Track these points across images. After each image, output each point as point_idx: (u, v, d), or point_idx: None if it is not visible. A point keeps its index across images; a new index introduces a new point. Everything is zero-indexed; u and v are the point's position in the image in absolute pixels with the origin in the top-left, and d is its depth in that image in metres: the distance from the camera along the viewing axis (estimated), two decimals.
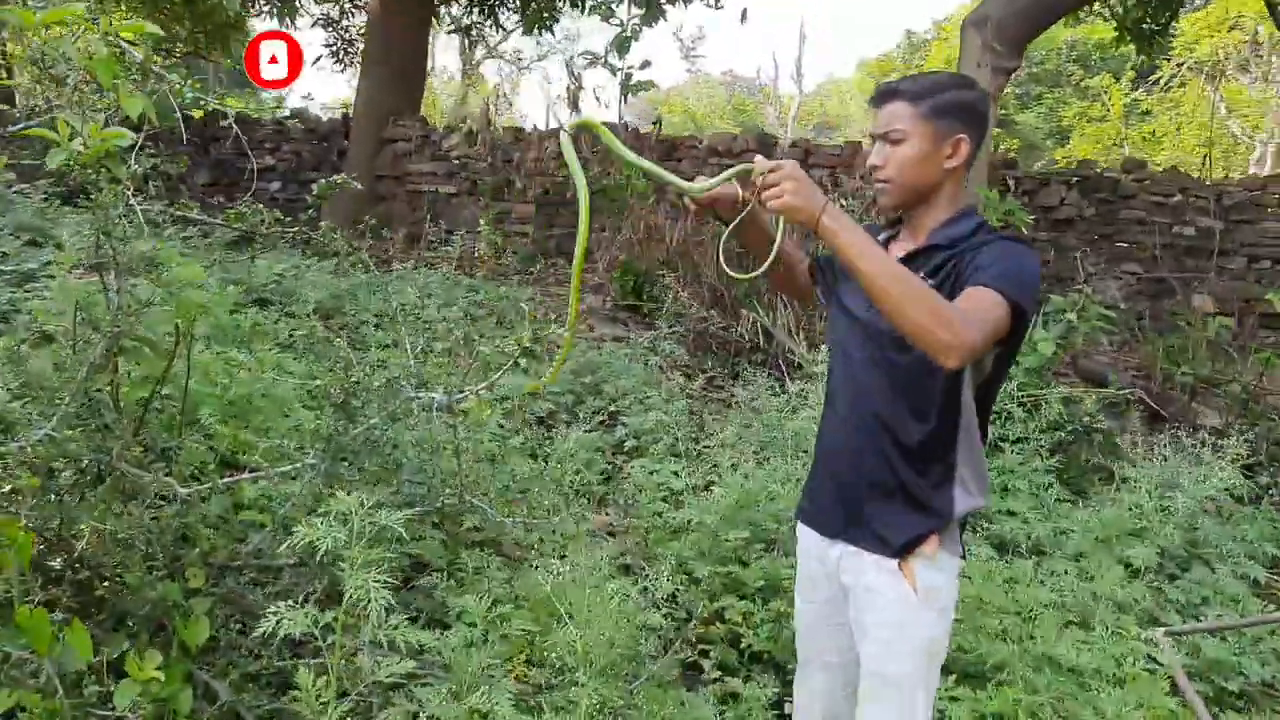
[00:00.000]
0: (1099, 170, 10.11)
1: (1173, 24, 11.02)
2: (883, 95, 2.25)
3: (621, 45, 8.02)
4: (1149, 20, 10.56)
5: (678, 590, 3.77)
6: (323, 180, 3.56)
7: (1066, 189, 9.60)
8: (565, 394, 5.70)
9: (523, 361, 2.67)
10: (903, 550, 2.21)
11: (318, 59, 13.31)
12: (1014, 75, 8.77)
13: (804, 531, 2.50)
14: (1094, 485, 5.71)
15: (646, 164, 2.37)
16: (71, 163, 2.97)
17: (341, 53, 13.24)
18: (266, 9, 11.97)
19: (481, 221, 8.14)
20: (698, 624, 3.85)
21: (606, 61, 8.18)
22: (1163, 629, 4.18)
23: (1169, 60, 19.86)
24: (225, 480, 3.29)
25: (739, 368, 6.43)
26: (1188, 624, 4.33)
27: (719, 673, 3.65)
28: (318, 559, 2.52)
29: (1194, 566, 4.89)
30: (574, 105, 8.97)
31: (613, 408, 5.68)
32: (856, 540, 2.29)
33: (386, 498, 3.29)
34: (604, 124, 2.57)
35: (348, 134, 10.51)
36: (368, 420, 3.12)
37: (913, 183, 2.20)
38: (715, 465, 4.93)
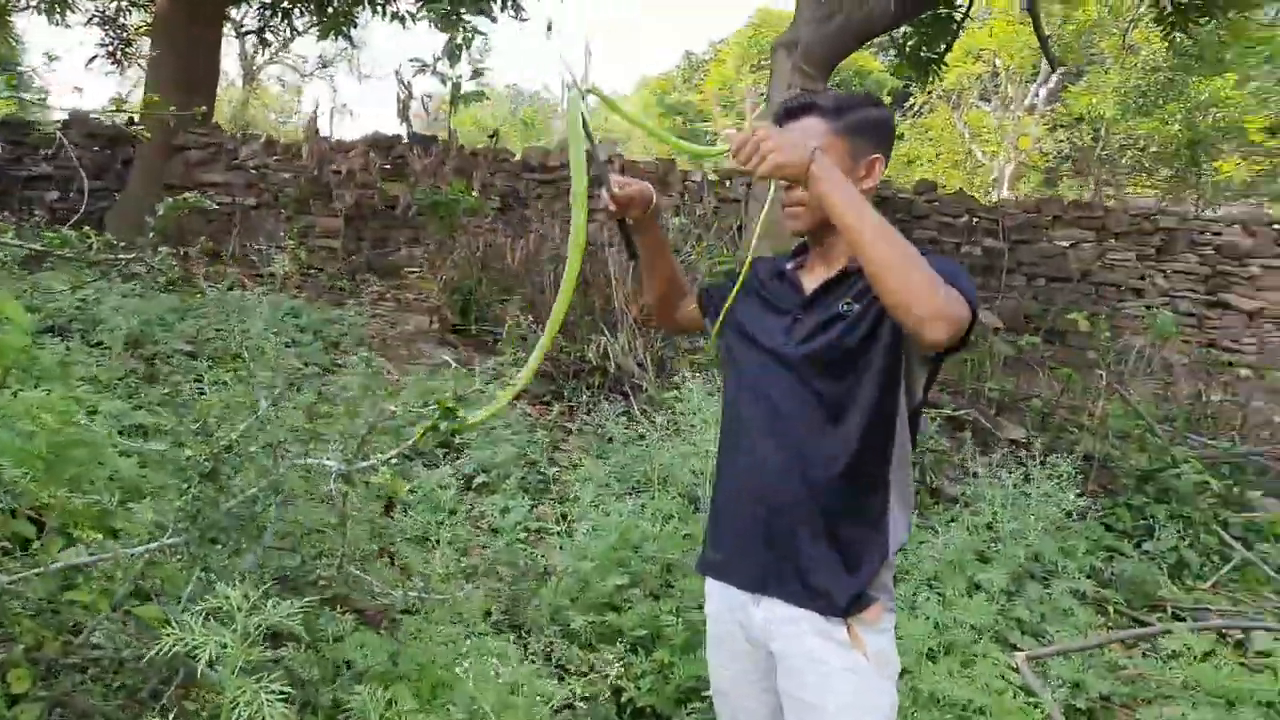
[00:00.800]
0: (895, 192, 10.33)
1: (949, 53, 11.51)
2: (795, 110, 2.07)
3: (453, 53, 7.53)
4: (926, 48, 10.98)
5: (554, 643, 3.49)
6: (168, 200, 3.04)
7: None
8: (404, 424, 5.19)
9: (442, 425, 2.22)
10: (848, 609, 1.97)
11: (92, 59, 12.03)
12: None
13: (715, 586, 2.21)
14: (928, 505, 5.69)
15: (675, 140, 2.22)
16: None
17: (119, 53, 11.99)
18: (34, 4, 10.68)
19: (285, 236, 7.45)
20: (580, 681, 3.51)
21: (436, 70, 7.66)
22: (1023, 653, 4.10)
23: (921, 88, 20.86)
24: (59, 563, 2.69)
25: (580, 394, 6.09)
26: (1043, 646, 4.29)
27: None
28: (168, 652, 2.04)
29: (1028, 584, 4.90)
30: (404, 115, 8.35)
31: (457, 440, 5.22)
32: (790, 596, 2.02)
33: (249, 569, 2.78)
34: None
35: (134, 140, 9.49)
36: (243, 492, 2.60)
37: None
38: (575, 501, 4.59)
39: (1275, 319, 10.34)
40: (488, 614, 3.62)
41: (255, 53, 21.26)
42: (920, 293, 1.72)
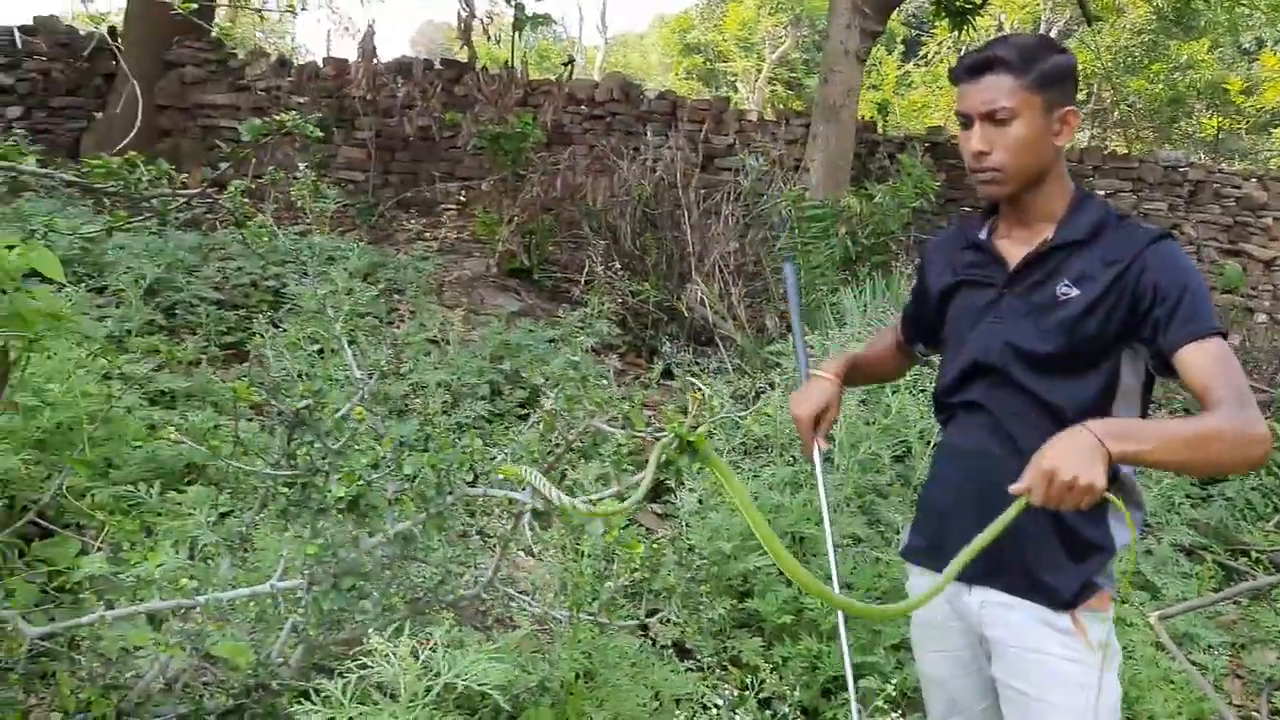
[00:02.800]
0: (949, 138, 9.67)
1: (986, 4, 10.89)
2: (979, 66, 1.81)
3: None
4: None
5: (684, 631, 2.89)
6: (252, 121, 2.30)
7: (923, 153, 8.97)
8: (481, 383, 4.28)
9: (681, 462, 1.59)
10: (1073, 602, 1.80)
11: None
12: (877, 39, 8.16)
13: (921, 573, 2.02)
14: None
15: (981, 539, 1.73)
16: None
17: None
18: None
19: (307, 167, 6.37)
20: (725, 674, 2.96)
21: None
22: (1155, 614, 3.64)
23: (933, 38, 20.28)
24: (117, 610, 1.80)
25: (655, 341, 5.22)
26: (1156, 601, 3.95)
27: None
28: None
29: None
30: (465, 37, 7.21)
31: (543, 400, 4.30)
32: (1010, 588, 1.85)
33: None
34: None
35: (117, 54, 8.20)
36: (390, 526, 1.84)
37: (1026, 167, 1.80)
38: (675, 469, 3.73)
39: None
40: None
41: None
42: (1240, 463, 1.67)
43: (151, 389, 3.59)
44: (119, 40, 8.08)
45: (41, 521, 2.36)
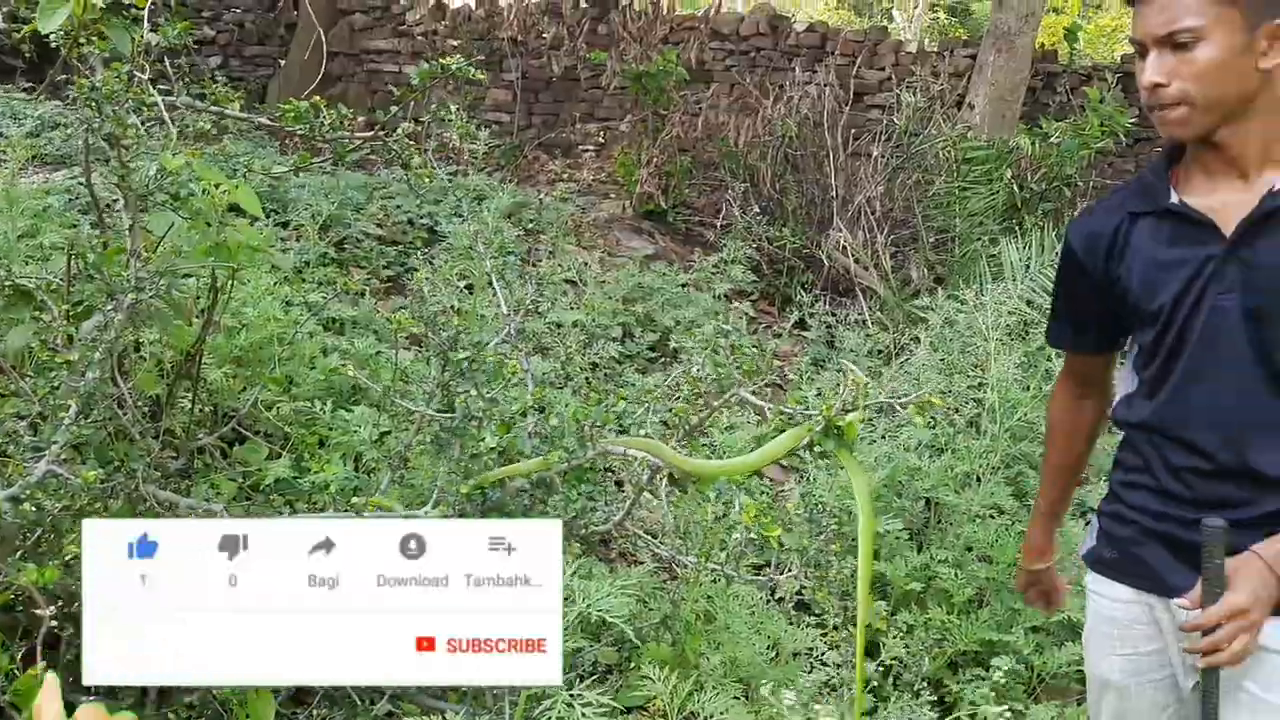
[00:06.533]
0: None
1: None
2: None
3: None
4: None
5: (805, 589, 2.86)
6: (421, 65, 2.52)
7: (1108, 86, 8.53)
8: (614, 324, 4.65)
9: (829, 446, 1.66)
10: None
11: None
12: None
13: (1106, 583, 1.80)
14: None
15: None
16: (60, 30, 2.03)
17: None
18: None
19: (453, 107, 6.82)
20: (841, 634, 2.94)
21: None
22: None
23: None
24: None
25: (790, 290, 5.45)
26: None
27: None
28: None
29: None
30: None
31: (672, 344, 4.64)
32: None
33: None
34: None
35: (297, 3, 8.93)
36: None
37: (1220, 99, 1.49)
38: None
39: None
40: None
41: None
42: None
43: (324, 316, 4.12)
44: None
45: (239, 428, 2.85)
